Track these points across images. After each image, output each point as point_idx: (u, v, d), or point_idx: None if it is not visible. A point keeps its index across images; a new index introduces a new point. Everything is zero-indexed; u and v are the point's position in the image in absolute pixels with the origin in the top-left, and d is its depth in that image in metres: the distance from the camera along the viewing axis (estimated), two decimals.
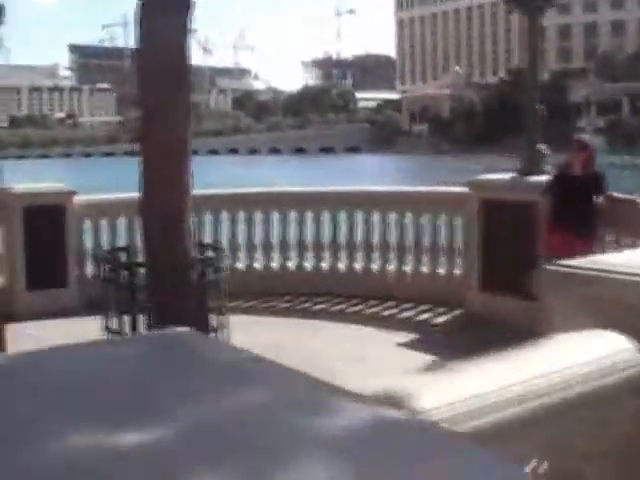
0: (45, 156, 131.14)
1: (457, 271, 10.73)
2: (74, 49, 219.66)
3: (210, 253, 7.61)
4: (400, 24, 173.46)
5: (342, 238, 11.31)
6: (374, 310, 10.47)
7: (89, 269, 10.83)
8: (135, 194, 10.66)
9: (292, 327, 9.62)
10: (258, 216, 11.41)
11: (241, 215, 11.38)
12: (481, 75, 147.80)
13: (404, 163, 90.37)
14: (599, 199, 8.84)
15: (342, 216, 11.27)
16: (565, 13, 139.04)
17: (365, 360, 8.08)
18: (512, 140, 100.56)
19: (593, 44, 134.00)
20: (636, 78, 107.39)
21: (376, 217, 11.14)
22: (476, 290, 10.20)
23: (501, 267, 9.84)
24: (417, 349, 8.83)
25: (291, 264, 11.39)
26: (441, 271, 10.85)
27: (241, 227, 11.43)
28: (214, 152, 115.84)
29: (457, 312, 10.24)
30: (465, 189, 10.46)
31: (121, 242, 10.46)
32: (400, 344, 8.99)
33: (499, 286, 9.80)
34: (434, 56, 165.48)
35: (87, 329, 8.13)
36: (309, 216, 11.32)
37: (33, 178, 15.36)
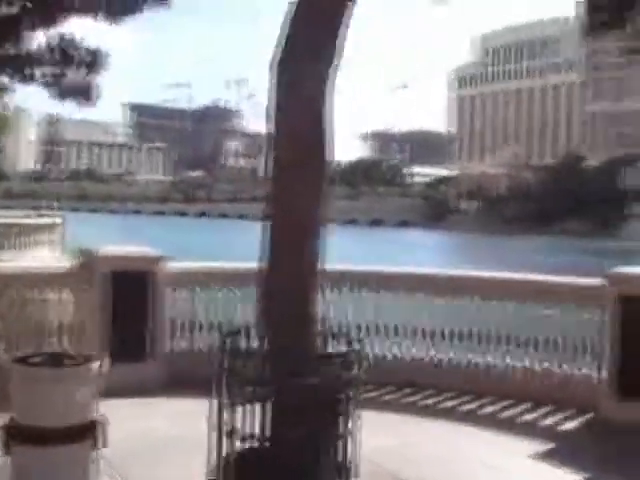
0: (94, 210, 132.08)
1: (589, 371, 9.57)
2: (134, 108, 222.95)
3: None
4: (461, 100, 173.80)
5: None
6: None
7: (177, 343, 9.92)
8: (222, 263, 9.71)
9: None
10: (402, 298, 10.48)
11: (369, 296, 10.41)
12: (539, 157, 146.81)
13: (458, 240, 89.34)
14: None
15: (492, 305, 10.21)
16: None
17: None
18: (569, 224, 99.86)
19: None
20: None
21: (511, 307, 10.07)
22: (612, 394, 9.04)
23: None
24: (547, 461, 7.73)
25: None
26: (573, 371, 9.69)
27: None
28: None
29: (588, 417, 9.09)
30: (601, 281, 9.39)
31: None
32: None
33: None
34: (493, 135, 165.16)
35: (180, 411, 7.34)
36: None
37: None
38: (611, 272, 9.37)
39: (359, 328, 10.20)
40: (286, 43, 6.22)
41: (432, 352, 10.35)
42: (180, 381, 9.17)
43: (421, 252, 53.35)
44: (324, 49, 6.25)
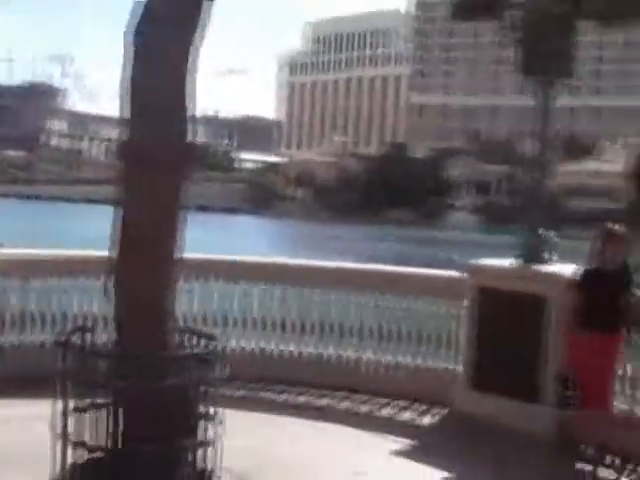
0: None
1: (445, 365, 9.34)
2: None
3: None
4: (291, 88, 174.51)
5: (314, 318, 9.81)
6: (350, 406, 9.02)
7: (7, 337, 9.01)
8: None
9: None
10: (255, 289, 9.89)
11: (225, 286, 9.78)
12: (366, 146, 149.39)
13: (287, 228, 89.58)
14: (630, 296, 7.66)
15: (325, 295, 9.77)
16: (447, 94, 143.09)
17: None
18: (395, 213, 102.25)
19: (474, 126, 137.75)
20: (508, 161, 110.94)
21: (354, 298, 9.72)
22: (467, 388, 8.84)
23: (499, 364, 8.54)
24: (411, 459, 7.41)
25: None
26: (427, 364, 9.43)
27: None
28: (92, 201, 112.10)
29: (444, 411, 8.86)
30: (459, 273, 9.16)
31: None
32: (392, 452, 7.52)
33: (494, 385, 8.51)
34: (322, 123, 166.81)
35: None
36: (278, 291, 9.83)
37: None
38: (472, 264, 9.12)
39: (205, 320, 9.62)
40: (144, 12, 5.57)
41: (282, 345, 9.89)
42: (8, 380, 8.23)
43: (253, 239, 52.86)
44: (186, 15, 5.64)
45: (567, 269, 8.15)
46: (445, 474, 7.05)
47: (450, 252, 59.10)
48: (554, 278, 8.28)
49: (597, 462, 7.23)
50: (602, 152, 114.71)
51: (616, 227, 7.71)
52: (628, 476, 7.21)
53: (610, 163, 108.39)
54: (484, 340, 8.72)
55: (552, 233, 8.71)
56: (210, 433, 5.47)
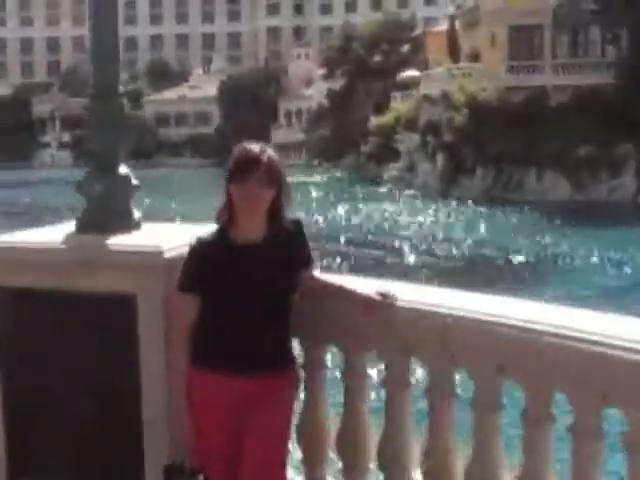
0: None
1: None
2: None
3: None
4: None
5: None
6: None
7: None
8: None
9: None
10: None
11: None
12: None
13: None
14: (304, 284, 3.86)
15: None
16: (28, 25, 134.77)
17: None
18: None
19: (56, 59, 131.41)
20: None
21: None
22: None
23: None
24: None
25: None
26: None
27: None
28: None
29: None
30: None
31: None
32: None
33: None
34: None
35: None
36: None
37: None
38: None
39: None
40: None
41: None
42: None
43: None
44: None
45: (166, 238, 4.31)
46: None
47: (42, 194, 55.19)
48: (143, 260, 4.19)
49: None
50: (190, 78, 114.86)
51: (263, 151, 3.73)
52: None
53: (198, 89, 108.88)
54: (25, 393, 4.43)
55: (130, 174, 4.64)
56: None
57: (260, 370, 3.72)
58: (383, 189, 55.68)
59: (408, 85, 64.19)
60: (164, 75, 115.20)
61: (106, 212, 4.48)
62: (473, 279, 23.21)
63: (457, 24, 61.32)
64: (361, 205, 46.97)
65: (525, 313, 3.42)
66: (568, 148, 43.38)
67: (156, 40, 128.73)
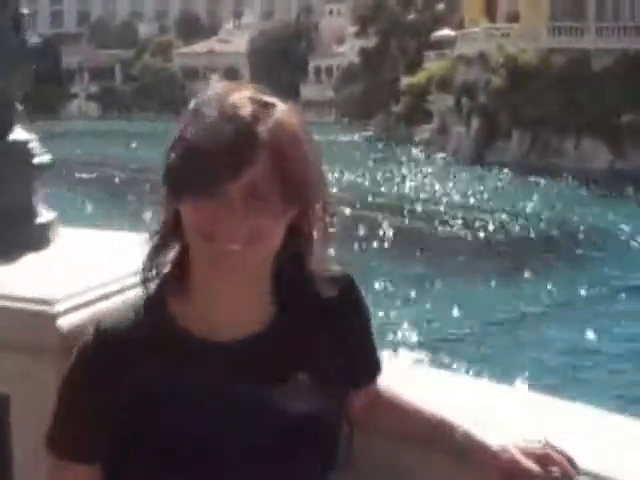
0: None
1: None
2: None
3: None
4: None
5: None
6: None
7: None
8: None
9: None
10: None
11: None
12: None
13: None
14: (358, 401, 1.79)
15: None
16: None
17: None
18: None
19: (85, 10, 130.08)
20: (127, 46, 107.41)
21: None
22: None
23: None
24: None
25: None
26: None
27: None
28: None
29: None
30: None
31: None
32: None
33: None
34: None
35: None
36: None
37: None
38: None
39: None
40: None
41: None
42: None
43: None
44: None
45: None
46: None
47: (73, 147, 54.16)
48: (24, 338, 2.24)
49: None
50: (220, 32, 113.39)
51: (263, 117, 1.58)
52: None
53: (228, 43, 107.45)
54: None
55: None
56: None
57: None
58: (414, 150, 54.18)
59: (442, 45, 62.59)
60: (194, 28, 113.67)
61: None
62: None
63: None
64: (404, 169, 45.52)
65: None
66: (609, 114, 41.76)
67: None
